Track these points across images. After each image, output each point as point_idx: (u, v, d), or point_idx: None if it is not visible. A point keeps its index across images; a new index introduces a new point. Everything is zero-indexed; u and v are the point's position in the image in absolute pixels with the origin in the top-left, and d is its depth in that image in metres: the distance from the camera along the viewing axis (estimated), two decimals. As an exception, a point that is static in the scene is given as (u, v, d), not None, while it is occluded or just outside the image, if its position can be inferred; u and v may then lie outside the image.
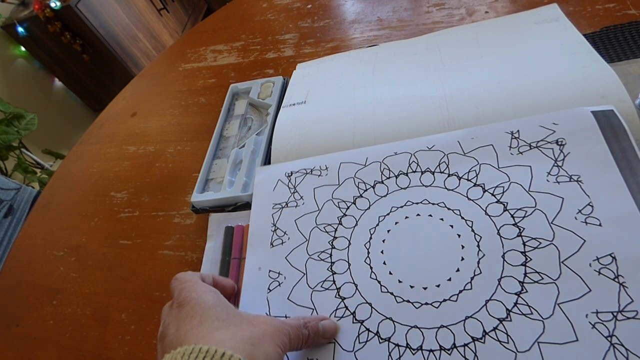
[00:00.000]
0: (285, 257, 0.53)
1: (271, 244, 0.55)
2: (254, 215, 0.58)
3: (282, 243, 0.54)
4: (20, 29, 2.28)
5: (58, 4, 2.09)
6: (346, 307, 0.46)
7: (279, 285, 0.51)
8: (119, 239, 0.70)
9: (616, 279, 0.37)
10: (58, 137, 2.60)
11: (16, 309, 0.66)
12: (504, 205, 0.46)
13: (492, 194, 0.47)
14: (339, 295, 0.48)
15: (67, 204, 0.82)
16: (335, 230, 0.53)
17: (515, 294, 0.40)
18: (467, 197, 0.48)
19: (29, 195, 1.37)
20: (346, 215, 0.53)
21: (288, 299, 0.50)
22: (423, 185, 0.52)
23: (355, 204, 0.54)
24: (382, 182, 0.54)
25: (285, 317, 0.48)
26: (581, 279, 0.38)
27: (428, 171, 0.52)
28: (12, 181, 1.37)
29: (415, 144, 0.55)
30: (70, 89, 2.71)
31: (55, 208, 0.83)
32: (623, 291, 0.36)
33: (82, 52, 2.33)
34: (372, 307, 0.45)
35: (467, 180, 0.50)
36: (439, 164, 0.52)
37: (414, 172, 0.53)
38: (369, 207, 0.53)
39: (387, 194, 0.53)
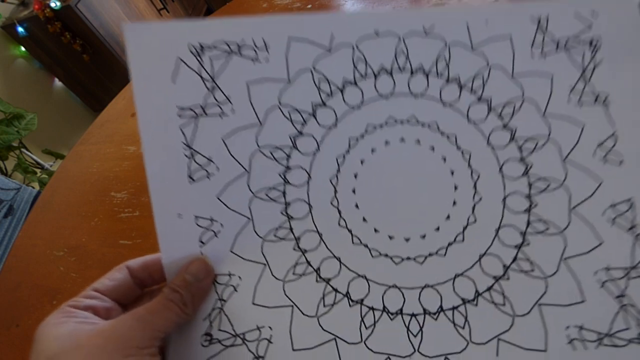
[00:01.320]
0: (217, 197, 0.37)
1: (190, 177, 0.37)
2: (144, 128, 0.36)
3: (207, 176, 0.37)
4: (20, 29, 2.33)
5: (58, 4, 2.13)
6: (308, 262, 0.37)
7: (215, 235, 0.37)
8: (119, 239, 0.70)
9: (631, 230, 0.34)
10: (58, 137, 2.63)
11: (16, 309, 0.68)
12: (511, 132, 0.36)
13: (499, 115, 0.36)
14: (298, 247, 0.37)
15: (67, 204, 0.83)
16: (289, 157, 0.37)
17: (515, 247, 0.35)
18: (467, 117, 0.37)
19: (29, 195, 1.38)
20: (302, 134, 0.37)
21: (232, 251, 0.37)
22: (412, 94, 0.37)
23: (315, 116, 0.37)
24: (354, 84, 0.37)
25: (230, 275, 0.37)
26: (592, 229, 0.34)
27: (421, 71, 0.36)
28: (12, 181, 1.38)
29: (406, 18, 0.36)
30: (70, 89, 2.74)
31: (56, 208, 0.84)
32: (638, 245, 0.34)
33: (82, 52, 2.35)
34: (340, 262, 0.37)
35: (471, 91, 0.36)
36: (437, 61, 0.36)
37: (401, 70, 0.36)
38: (335, 124, 0.37)
39: (361, 103, 0.37)
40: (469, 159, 0.36)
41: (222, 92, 0.36)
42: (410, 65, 0.36)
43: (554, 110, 0.36)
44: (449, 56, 0.36)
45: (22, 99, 2.40)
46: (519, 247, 0.35)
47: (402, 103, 0.37)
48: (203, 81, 0.36)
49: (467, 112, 0.36)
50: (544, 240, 0.35)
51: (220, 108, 0.36)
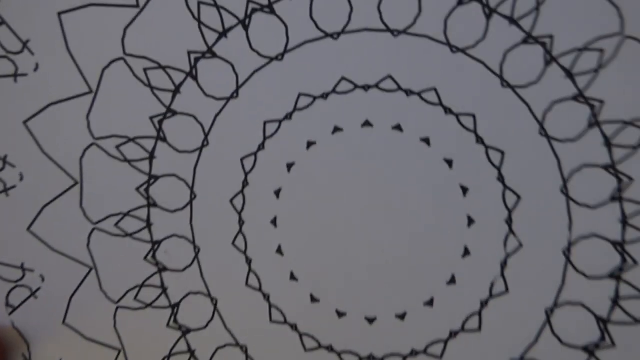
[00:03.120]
0: (28, 228, 0.20)
1: (-23, 193, 0.20)
2: None
3: (4, 190, 0.20)
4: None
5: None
6: (191, 353, 0.20)
7: (33, 294, 0.21)
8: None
9: None
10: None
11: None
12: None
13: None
14: (175, 321, 0.20)
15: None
16: (151, 155, 0.20)
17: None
18: (501, 77, 0.18)
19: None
20: (175, 113, 0.19)
21: (65, 324, 0.21)
22: (387, 27, 0.18)
23: (195, 76, 0.19)
24: (268, 10, 0.18)
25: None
26: None
27: None
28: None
29: None
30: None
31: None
32: None
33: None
34: (247, 355, 0.20)
35: (511, 21, 0.17)
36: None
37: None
38: (235, 92, 0.19)
39: (284, 49, 0.18)
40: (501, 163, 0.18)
41: (12, 31, 0.19)
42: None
43: None
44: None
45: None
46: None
47: (367, 48, 0.18)
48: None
49: (502, 64, 0.17)
50: None
51: (13, 62, 0.19)
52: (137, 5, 0.18)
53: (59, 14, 0.18)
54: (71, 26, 0.18)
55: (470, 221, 0.18)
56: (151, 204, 0.20)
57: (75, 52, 0.19)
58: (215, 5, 0.18)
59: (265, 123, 0.19)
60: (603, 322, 0.18)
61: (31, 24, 0.18)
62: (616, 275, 0.18)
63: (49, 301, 0.21)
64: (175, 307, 0.21)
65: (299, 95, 0.19)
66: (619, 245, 0.17)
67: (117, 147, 0.19)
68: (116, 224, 0.20)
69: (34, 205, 0.20)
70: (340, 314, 0.20)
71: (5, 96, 0.19)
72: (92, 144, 0.19)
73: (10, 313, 0.21)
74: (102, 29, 0.18)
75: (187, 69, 0.19)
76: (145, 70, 0.19)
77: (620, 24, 0.17)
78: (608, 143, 0.17)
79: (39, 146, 0.19)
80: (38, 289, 0.21)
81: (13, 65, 0.19)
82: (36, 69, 0.19)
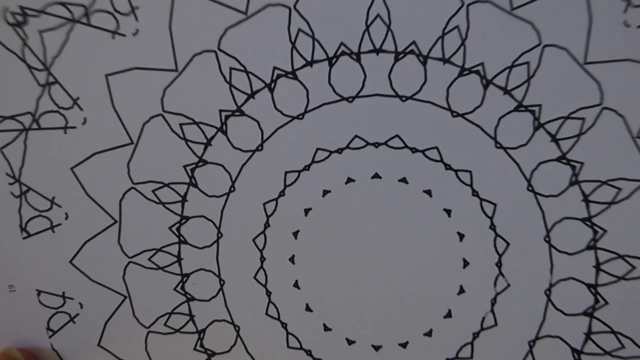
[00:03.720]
0: (70, 261, 0.23)
1: (24, 229, 0.22)
2: None
3: (51, 227, 0.22)
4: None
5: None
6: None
7: (72, 320, 0.23)
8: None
9: None
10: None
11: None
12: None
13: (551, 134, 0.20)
14: (201, 345, 0.23)
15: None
16: (184, 199, 0.22)
17: None
18: (495, 137, 0.20)
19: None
20: (205, 162, 0.22)
21: (100, 345, 0.23)
22: (395, 94, 0.20)
23: (225, 131, 0.21)
24: (292, 76, 0.21)
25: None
26: None
27: (412, 52, 0.20)
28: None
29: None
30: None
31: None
32: None
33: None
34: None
35: (504, 91, 0.20)
36: (444, 35, 0.20)
37: (378, 50, 0.20)
38: (260, 146, 0.21)
39: (304, 110, 0.21)
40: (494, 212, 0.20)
41: (65, 90, 0.21)
42: (395, 41, 0.20)
43: None
44: (468, 25, 0.19)
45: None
46: None
47: (378, 110, 0.20)
48: (31, 71, 0.21)
49: (496, 128, 0.20)
50: None
51: (64, 117, 0.21)
52: (176, 70, 0.20)
53: (106, 75, 0.20)
54: (117, 86, 0.20)
55: (466, 263, 0.21)
56: (182, 241, 0.22)
57: (119, 108, 0.21)
58: (245, 70, 0.20)
59: (286, 173, 0.21)
60: (577, 353, 0.20)
61: (81, 83, 0.21)
62: (589, 313, 0.20)
63: (86, 326, 0.23)
64: (201, 332, 0.23)
65: (317, 150, 0.21)
66: (593, 287, 0.20)
67: (153, 191, 0.22)
68: (149, 258, 0.23)
69: (77, 241, 0.22)
70: (350, 342, 0.22)
71: (55, 146, 0.21)
72: (130, 188, 0.22)
73: (51, 336, 0.24)
74: (144, 89, 0.20)
75: (218, 125, 0.21)
76: (180, 125, 0.21)
77: (599, 96, 0.19)
78: (586, 199, 0.20)
79: (83, 189, 0.22)
80: (77, 315, 0.23)
81: (64, 119, 0.21)
82: (84, 122, 0.21)
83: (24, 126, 0.21)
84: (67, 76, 0.21)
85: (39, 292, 0.23)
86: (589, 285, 0.20)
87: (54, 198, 0.22)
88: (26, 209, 0.22)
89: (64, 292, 0.23)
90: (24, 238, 0.22)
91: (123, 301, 0.23)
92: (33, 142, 0.21)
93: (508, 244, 0.21)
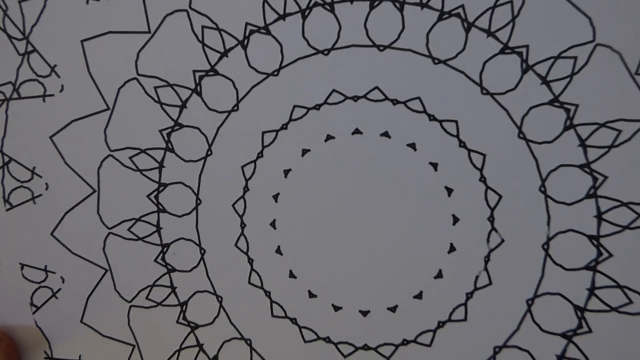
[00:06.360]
0: (52, 233, 0.22)
1: (6, 200, 0.22)
2: None
3: (32, 198, 0.22)
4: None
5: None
6: (200, 347, 0.22)
7: (54, 295, 0.23)
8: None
9: None
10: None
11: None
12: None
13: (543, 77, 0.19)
14: (184, 318, 0.22)
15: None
16: (161, 165, 0.21)
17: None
18: (480, 84, 0.19)
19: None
20: (181, 125, 0.21)
21: (82, 322, 0.23)
22: (373, 43, 0.20)
23: (200, 92, 0.21)
24: (264, 31, 0.20)
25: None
26: None
27: (388, -1, 0.19)
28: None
29: None
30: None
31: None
32: None
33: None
34: (251, 347, 0.21)
35: (488, 33, 0.19)
36: (419, -23, 0.19)
37: (351, -1, 0.19)
38: (235, 105, 0.21)
39: (279, 65, 0.20)
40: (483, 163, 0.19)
41: (42, 58, 0.21)
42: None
43: None
44: (444, -35, 0.18)
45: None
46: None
47: (355, 62, 0.20)
48: (11, 41, 0.21)
49: (481, 73, 0.19)
50: None
51: (42, 85, 0.21)
52: (149, 31, 0.20)
53: (82, 41, 0.20)
54: (92, 51, 0.20)
55: (455, 219, 0.20)
56: (160, 209, 0.22)
57: (95, 74, 0.21)
58: (217, 28, 0.20)
59: (263, 133, 0.21)
60: (580, 311, 0.19)
61: (58, 50, 0.21)
62: (592, 267, 0.18)
63: (69, 301, 0.23)
64: (184, 305, 0.22)
65: (294, 107, 0.20)
66: (595, 239, 0.18)
67: (130, 157, 0.21)
68: (129, 229, 0.22)
69: (57, 212, 0.22)
70: (336, 308, 0.21)
71: (35, 114, 0.21)
72: (108, 156, 0.21)
73: (34, 312, 0.23)
74: (118, 53, 0.20)
75: (193, 86, 0.21)
76: (155, 88, 0.21)
77: (592, 32, 0.18)
78: (583, 144, 0.18)
79: (62, 158, 0.22)
80: (59, 290, 0.23)
81: (42, 87, 0.21)
82: (61, 90, 0.21)
83: (5, 96, 0.21)
84: (45, 44, 0.21)
85: (22, 266, 0.23)
86: (590, 237, 0.18)
87: (34, 168, 0.22)
88: (8, 180, 0.22)
89: (46, 266, 0.23)
90: (7, 210, 0.22)
91: (104, 275, 0.22)
92: (14, 112, 0.21)
93: (500, 196, 0.19)
